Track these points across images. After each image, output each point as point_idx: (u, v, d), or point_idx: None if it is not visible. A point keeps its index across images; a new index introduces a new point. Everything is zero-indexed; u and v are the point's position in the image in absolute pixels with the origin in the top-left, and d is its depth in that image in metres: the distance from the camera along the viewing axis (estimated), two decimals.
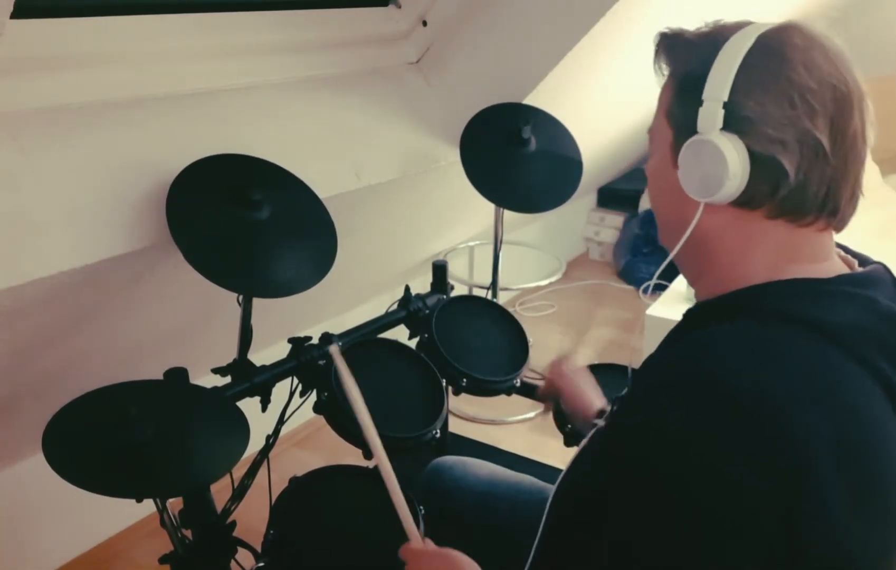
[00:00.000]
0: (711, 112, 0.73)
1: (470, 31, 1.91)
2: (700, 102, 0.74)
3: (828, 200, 0.73)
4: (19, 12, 1.16)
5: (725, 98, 0.72)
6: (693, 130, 0.75)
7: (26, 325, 1.32)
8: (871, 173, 3.76)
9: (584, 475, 0.88)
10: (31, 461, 1.75)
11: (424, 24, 1.95)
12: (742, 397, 0.64)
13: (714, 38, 0.76)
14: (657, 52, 0.82)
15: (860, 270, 0.79)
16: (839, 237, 0.82)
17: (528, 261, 3.15)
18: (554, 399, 1.37)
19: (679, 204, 0.78)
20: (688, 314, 0.80)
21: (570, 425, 1.44)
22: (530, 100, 1.95)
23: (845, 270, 0.78)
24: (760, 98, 0.71)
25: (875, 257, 0.83)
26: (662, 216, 0.85)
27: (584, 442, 0.93)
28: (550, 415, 1.48)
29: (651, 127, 0.84)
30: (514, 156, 1.82)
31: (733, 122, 0.72)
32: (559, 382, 1.33)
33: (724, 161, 0.72)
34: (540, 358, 1.59)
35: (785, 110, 0.71)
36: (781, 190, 0.72)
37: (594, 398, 1.28)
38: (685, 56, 0.79)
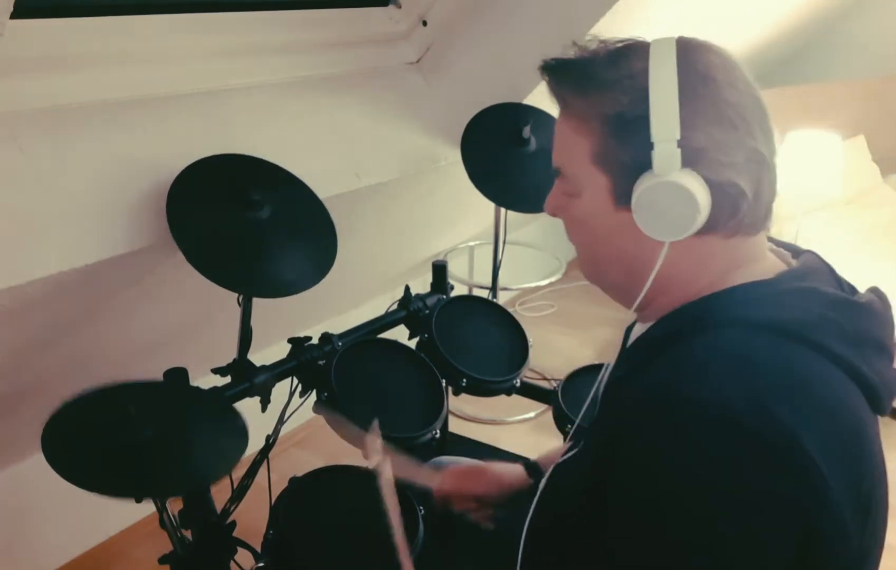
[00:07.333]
0: (668, 153, 0.71)
1: (470, 31, 1.91)
2: (649, 145, 0.72)
3: (771, 205, 0.76)
4: (19, 12, 1.16)
5: (678, 136, 0.71)
6: (639, 172, 0.73)
7: (26, 325, 1.32)
8: (871, 173, 3.76)
9: (563, 504, 0.83)
10: (32, 461, 1.75)
11: (424, 24, 1.95)
12: (750, 421, 0.63)
13: (627, 69, 0.74)
14: (552, 88, 0.79)
15: (796, 263, 0.80)
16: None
17: (528, 261, 3.15)
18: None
19: (631, 243, 0.77)
20: (656, 335, 0.78)
21: (570, 426, 1.44)
22: (530, 99, 1.95)
23: (780, 264, 0.79)
24: (707, 128, 0.71)
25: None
26: (605, 257, 0.82)
27: (546, 476, 0.91)
28: (550, 414, 1.48)
29: (561, 170, 0.81)
30: (514, 155, 1.82)
31: (688, 157, 0.71)
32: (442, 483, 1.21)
33: (693, 200, 0.71)
34: (540, 358, 1.59)
35: (730, 134, 0.71)
36: (742, 209, 0.73)
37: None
38: (603, 95, 0.75)
